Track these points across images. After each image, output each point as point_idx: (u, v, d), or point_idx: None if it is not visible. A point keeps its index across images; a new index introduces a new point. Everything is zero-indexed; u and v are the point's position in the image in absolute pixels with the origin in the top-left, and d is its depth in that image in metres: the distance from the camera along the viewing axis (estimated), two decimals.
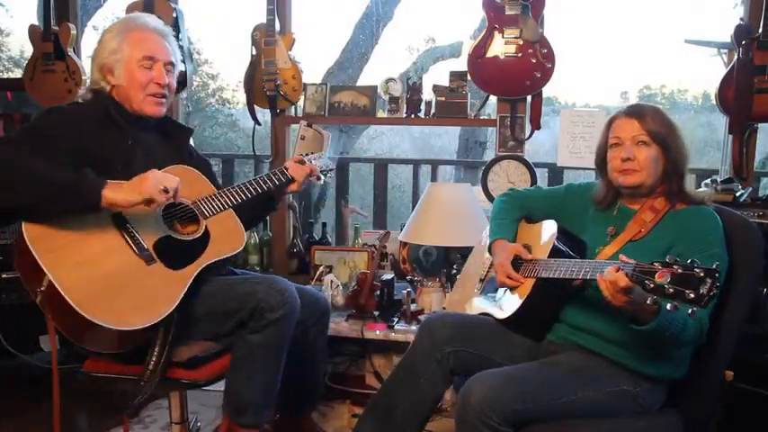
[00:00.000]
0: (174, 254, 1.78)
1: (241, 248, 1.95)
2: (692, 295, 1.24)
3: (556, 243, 1.73)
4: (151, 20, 1.95)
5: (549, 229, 1.81)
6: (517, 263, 1.79)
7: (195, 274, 1.78)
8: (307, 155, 2.20)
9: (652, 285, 1.30)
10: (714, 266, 1.26)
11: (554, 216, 1.87)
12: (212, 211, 1.89)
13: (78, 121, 1.80)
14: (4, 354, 2.77)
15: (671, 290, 1.27)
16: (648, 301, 1.32)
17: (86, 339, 1.70)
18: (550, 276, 1.63)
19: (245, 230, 1.97)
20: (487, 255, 1.97)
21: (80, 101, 1.92)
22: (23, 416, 2.48)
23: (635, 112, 1.70)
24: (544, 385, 1.57)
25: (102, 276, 1.66)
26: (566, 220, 1.85)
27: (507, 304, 1.78)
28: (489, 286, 1.98)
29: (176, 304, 1.70)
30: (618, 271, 1.37)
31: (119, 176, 1.71)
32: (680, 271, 1.27)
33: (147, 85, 1.86)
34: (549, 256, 1.71)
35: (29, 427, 2.46)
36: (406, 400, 1.77)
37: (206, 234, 1.86)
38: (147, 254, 1.73)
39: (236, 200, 1.94)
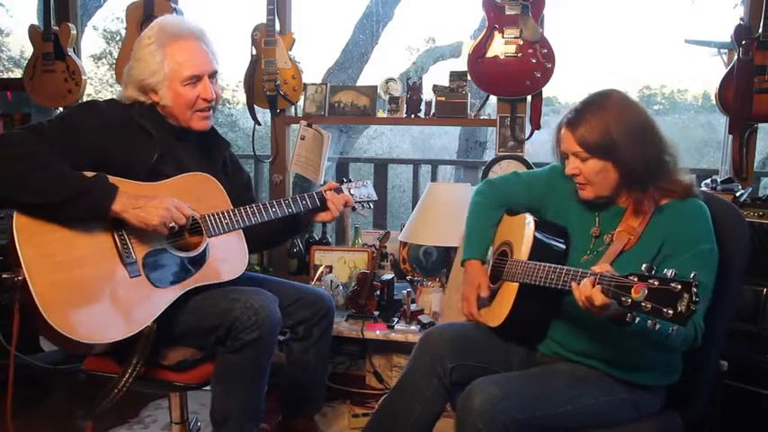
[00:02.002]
0: (165, 268, 1.71)
1: (237, 276, 1.83)
2: (670, 312, 1.16)
3: (535, 242, 1.64)
4: (184, 24, 1.84)
5: (527, 225, 1.70)
6: (500, 264, 1.72)
7: (178, 296, 1.71)
8: (346, 182, 2.05)
9: (629, 302, 1.21)
10: (691, 277, 1.17)
11: (537, 205, 1.77)
12: (219, 230, 1.80)
13: (109, 120, 1.74)
14: (4, 354, 2.78)
15: (648, 306, 1.18)
16: (627, 318, 1.24)
17: (51, 338, 1.64)
18: (531, 283, 1.56)
19: (263, 250, 1.87)
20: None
21: (115, 98, 1.85)
22: (23, 416, 2.48)
23: (572, 121, 1.55)
24: (544, 394, 1.54)
25: (78, 282, 1.60)
26: (550, 207, 1.75)
27: (495, 312, 1.72)
28: None
29: (144, 326, 1.64)
30: (594, 285, 1.30)
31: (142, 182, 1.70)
32: (656, 284, 1.19)
33: (195, 102, 1.81)
34: (529, 257, 1.62)
35: (29, 426, 2.45)
36: (409, 419, 1.72)
37: (204, 253, 1.77)
38: (134, 265, 1.66)
39: (250, 221, 1.84)
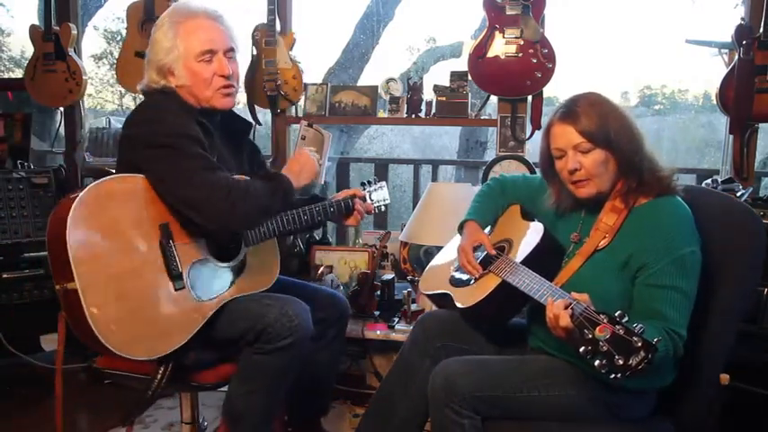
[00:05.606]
0: (207, 279, 1.74)
1: (268, 287, 1.87)
2: (620, 362, 1.19)
3: (535, 249, 1.65)
4: (197, 5, 1.79)
5: (534, 232, 1.72)
6: (493, 257, 1.72)
7: (216, 308, 1.74)
8: (367, 185, 2.12)
9: (590, 336, 1.24)
10: (655, 341, 1.19)
11: (530, 205, 1.81)
12: (257, 239, 1.83)
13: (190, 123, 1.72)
14: (5, 353, 2.78)
15: (604, 348, 1.21)
16: (581, 350, 1.25)
17: (93, 346, 1.63)
18: (512, 284, 1.57)
19: (278, 236, 1.90)
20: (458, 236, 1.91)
21: (145, 91, 1.81)
22: (24, 416, 2.48)
23: (568, 114, 1.54)
24: (508, 377, 1.55)
25: (127, 296, 1.59)
26: (539, 212, 1.77)
27: (468, 294, 1.73)
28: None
29: (184, 342, 1.65)
30: (567, 308, 1.32)
31: None
32: (621, 332, 1.22)
33: (212, 80, 1.75)
34: (523, 261, 1.63)
35: (29, 427, 2.46)
36: (405, 403, 1.76)
37: (242, 264, 1.81)
38: (179, 279, 1.67)
39: (284, 228, 1.87)
